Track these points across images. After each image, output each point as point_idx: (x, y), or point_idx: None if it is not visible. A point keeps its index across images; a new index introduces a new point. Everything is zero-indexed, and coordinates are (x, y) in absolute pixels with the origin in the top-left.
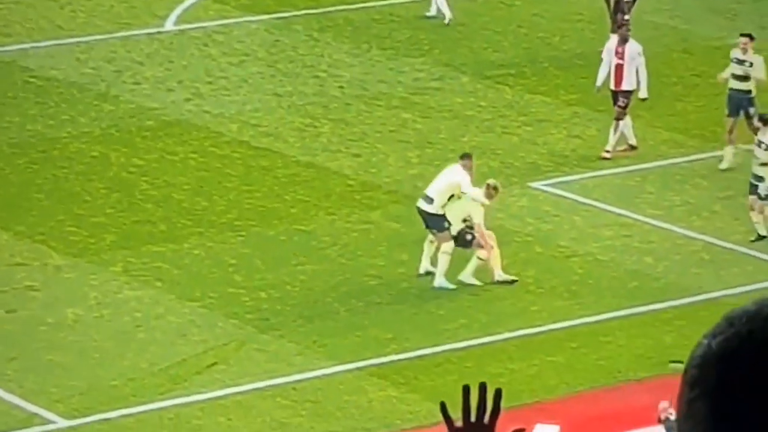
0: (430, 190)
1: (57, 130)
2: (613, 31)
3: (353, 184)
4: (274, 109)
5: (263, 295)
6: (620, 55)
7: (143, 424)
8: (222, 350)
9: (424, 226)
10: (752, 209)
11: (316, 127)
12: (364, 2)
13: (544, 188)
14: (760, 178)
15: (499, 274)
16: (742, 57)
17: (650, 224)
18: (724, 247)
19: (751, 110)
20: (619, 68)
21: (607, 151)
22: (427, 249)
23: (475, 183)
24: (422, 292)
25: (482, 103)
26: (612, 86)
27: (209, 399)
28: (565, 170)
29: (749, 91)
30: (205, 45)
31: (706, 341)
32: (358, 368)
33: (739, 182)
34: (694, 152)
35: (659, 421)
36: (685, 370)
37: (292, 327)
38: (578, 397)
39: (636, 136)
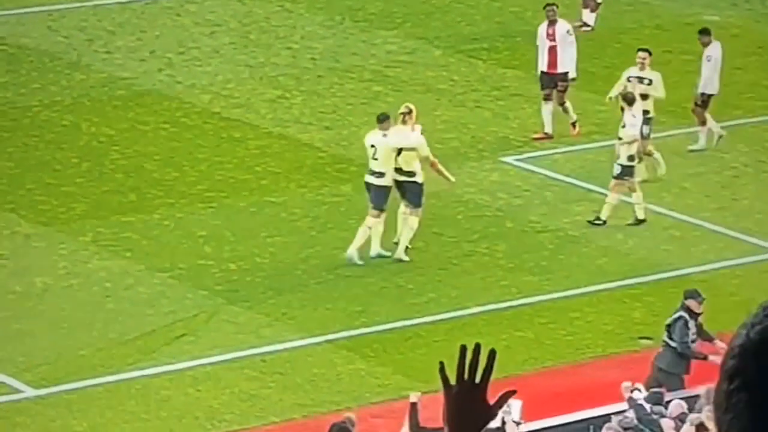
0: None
1: (28, 99)
2: (585, 6)
3: (324, 156)
4: (246, 80)
5: (233, 266)
6: (551, 37)
7: (111, 394)
8: (191, 321)
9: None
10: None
11: (287, 98)
12: None
13: (516, 163)
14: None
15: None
16: (639, 74)
17: (621, 200)
18: (694, 224)
19: (645, 129)
20: (552, 51)
21: (573, 125)
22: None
23: (450, 156)
24: (392, 266)
25: (455, 77)
26: (545, 69)
27: (178, 370)
28: (536, 145)
29: (647, 112)
30: (178, 15)
31: (744, 332)
32: (328, 341)
33: (710, 159)
34: (665, 129)
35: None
36: (723, 362)
37: (261, 299)
38: (546, 372)
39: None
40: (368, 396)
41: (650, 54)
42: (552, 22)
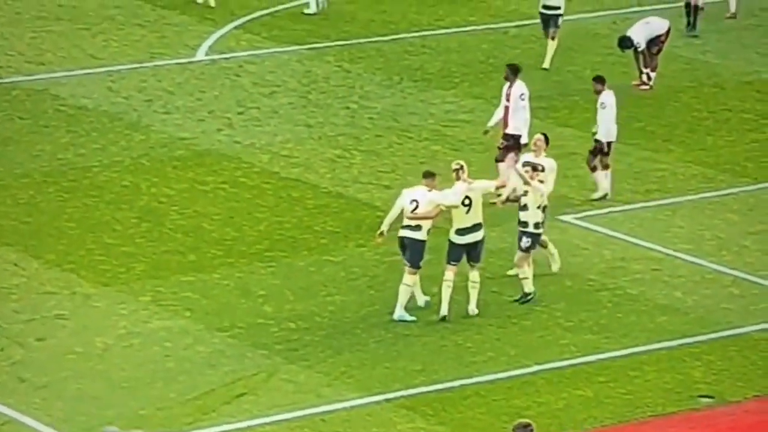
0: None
1: (88, 159)
2: (645, 66)
3: (383, 215)
4: (305, 140)
5: (292, 325)
6: (507, 97)
7: None
8: (250, 380)
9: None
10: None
11: (346, 158)
12: (396, 34)
13: (574, 221)
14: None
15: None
16: (533, 160)
17: (680, 258)
18: (754, 282)
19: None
20: (506, 110)
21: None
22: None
23: (509, 215)
24: (450, 324)
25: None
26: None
27: (237, 429)
28: (595, 204)
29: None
30: (237, 75)
31: None
32: (387, 400)
33: None
34: (725, 187)
35: None
36: None
37: (320, 358)
38: (606, 431)
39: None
40: None
41: (547, 141)
42: (510, 84)
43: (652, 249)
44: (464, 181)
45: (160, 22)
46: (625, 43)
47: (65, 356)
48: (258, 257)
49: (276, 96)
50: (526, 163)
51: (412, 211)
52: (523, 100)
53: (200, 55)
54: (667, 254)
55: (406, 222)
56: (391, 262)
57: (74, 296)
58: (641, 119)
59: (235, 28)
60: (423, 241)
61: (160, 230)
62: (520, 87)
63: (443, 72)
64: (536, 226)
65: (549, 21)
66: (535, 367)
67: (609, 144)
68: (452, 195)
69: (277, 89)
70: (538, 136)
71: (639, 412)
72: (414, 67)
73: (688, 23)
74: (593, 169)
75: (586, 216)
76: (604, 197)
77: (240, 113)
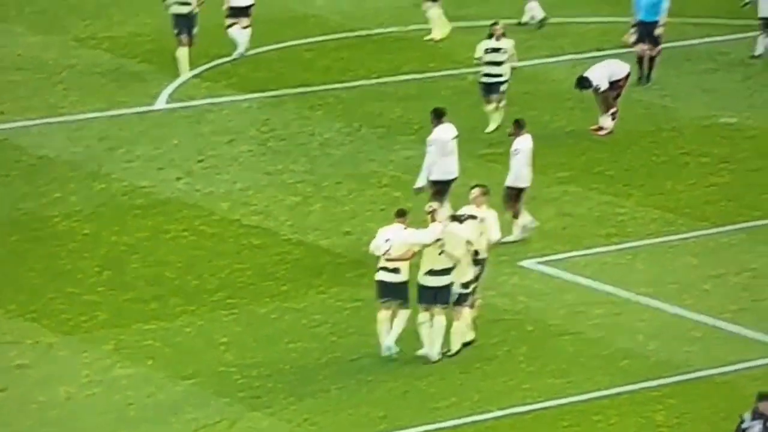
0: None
1: (48, 209)
2: (605, 112)
3: (344, 262)
4: (265, 187)
5: (254, 372)
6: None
7: None
8: (213, 428)
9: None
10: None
11: (307, 205)
12: (355, 81)
13: (535, 266)
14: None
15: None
16: (471, 212)
17: (641, 302)
18: (715, 326)
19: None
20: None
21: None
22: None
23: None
24: (413, 370)
25: (473, 181)
26: None
27: None
28: (556, 248)
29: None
30: (197, 123)
31: None
32: None
33: (729, 261)
34: (685, 230)
35: None
36: None
37: (283, 405)
38: None
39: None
40: None
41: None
42: (434, 128)
43: (613, 293)
44: (440, 222)
45: (120, 70)
46: (584, 83)
47: (28, 405)
48: (220, 305)
49: (235, 144)
50: (458, 216)
51: (386, 252)
52: (429, 145)
53: (160, 103)
54: (629, 298)
55: (383, 264)
56: (353, 308)
57: (36, 345)
58: (601, 164)
59: (195, 76)
60: (405, 282)
61: (121, 279)
62: (433, 133)
63: (403, 119)
64: (465, 285)
65: (491, 87)
66: (498, 413)
67: (521, 190)
68: (427, 234)
69: (236, 137)
70: (474, 190)
71: None
72: (374, 113)
73: (640, 77)
74: (514, 216)
75: (547, 261)
76: (515, 241)
77: (200, 161)
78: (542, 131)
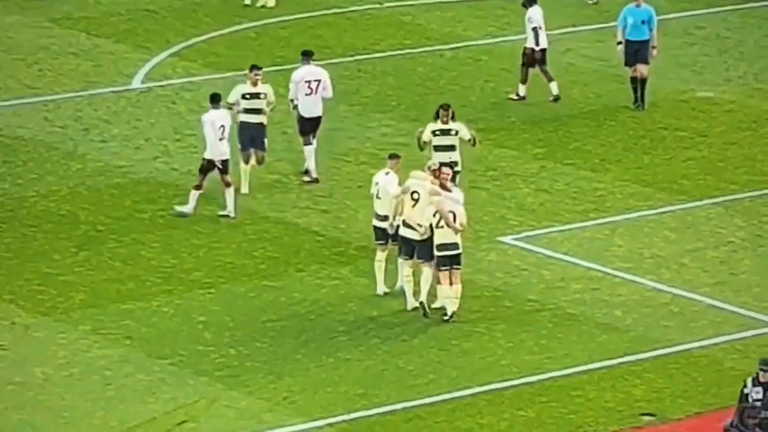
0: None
1: (24, 189)
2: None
3: (322, 240)
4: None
5: (233, 351)
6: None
7: None
8: (192, 408)
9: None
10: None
11: (284, 183)
12: (332, 58)
13: (513, 242)
14: None
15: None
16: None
17: (619, 277)
18: (693, 299)
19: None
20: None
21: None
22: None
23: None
24: (392, 348)
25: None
26: None
27: None
28: (533, 224)
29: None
30: (173, 103)
31: None
32: (329, 424)
33: (707, 234)
34: (662, 205)
35: None
36: None
37: (261, 383)
38: None
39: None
40: None
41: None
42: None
43: (591, 268)
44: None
45: (95, 50)
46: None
47: (6, 387)
48: (197, 284)
49: None
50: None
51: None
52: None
53: (136, 83)
54: (607, 273)
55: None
56: (332, 286)
57: (13, 327)
58: (578, 139)
59: (171, 55)
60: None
61: (98, 259)
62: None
63: (380, 96)
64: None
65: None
66: (477, 389)
67: (223, 162)
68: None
69: None
70: (445, 169)
71: (581, 431)
72: (350, 91)
73: (636, 99)
74: (196, 187)
75: (525, 237)
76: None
77: (177, 140)
78: (519, 107)
